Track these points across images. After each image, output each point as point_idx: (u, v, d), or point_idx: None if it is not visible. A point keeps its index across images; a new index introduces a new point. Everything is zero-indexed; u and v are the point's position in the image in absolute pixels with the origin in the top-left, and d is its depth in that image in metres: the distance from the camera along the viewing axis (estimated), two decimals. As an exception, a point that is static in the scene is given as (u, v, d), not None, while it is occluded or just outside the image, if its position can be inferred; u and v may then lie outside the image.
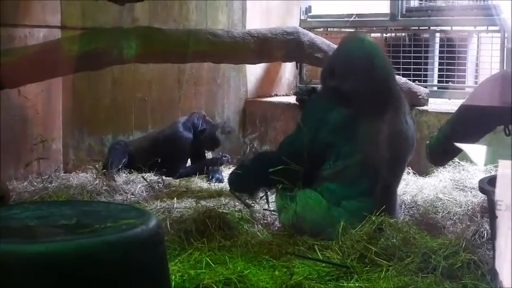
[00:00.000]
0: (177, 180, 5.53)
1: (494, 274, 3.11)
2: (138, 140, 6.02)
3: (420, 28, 6.85)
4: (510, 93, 4.12)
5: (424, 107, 5.97)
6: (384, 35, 6.99)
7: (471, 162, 5.30)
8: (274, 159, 4.20)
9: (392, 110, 4.21)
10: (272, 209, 4.46)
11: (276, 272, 3.47)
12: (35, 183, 5.17)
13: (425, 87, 6.29)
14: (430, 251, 3.46)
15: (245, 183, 4.56)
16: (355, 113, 4.11)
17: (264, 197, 4.50)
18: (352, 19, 7.03)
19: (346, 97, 4.13)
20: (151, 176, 5.47)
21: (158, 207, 4.63)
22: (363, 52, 4.21)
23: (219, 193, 5.13)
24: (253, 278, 3.33)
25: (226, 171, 5.89)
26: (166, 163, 5.66)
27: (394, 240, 3.63)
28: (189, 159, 6.05)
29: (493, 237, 3.38)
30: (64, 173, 5.56)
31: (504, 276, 2.75)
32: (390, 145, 4.16)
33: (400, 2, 6.76)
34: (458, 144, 4.40)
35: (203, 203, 4.69)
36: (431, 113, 5.86)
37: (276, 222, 4.35)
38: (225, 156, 6.07)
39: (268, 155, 4.87)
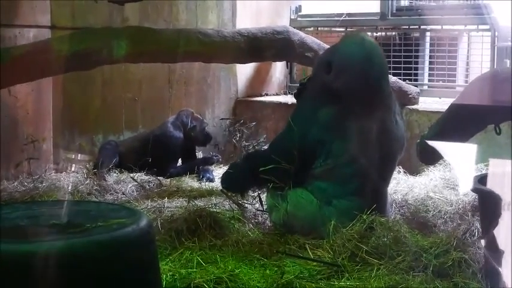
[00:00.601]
0: (168, 180, 5.53)
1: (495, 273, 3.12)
2: (129, 140, 6.02)
3: (410, 27, 6.86)
4: (500, 92, 4.13)
5: (415, 106, 5.98)
6: (374, 34, 6.99)
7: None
8: (265, 158, 4.20)
9: (383, 110, 4.22)
10: (265, 208, 4.45)
11: (267, 271, 3.47)
12: (26, 183, 5.16)
13: (416, 86, 6.30)
14: (421, 250, 3.47)
15: (236, 183, 4.56)
16: (346, 111, 4.11)
17: (257, 198, 4.50)
18: (342, 18, 7.03)
19: (339, 94, 4.13)
20: (142, 176, 5.46)
21: (149, 207, 4.63)
22: (362, 51, 4.20)
23: (210, 192, 5.12)
24: (244, 277, 3.33)
25: (217, 171, 5.89)
26: (156, 163, 5.66)
27: (385, 239, 3.63)
28: (180, 159, 6.04)
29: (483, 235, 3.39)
30: (55, 173, 5.55)
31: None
32: (380, 144, 4.16)
33: (390, 1, 6.76)
34: (448, 143, 4.41)
35: (194, 202, 4.69)
36: (421, 112, 5.87)
37: (267, 222, 4.35)
38: (215, 156, 6.06)
39: (259, 154, 4.87)
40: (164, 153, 5.79)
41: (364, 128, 4.13)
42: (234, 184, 4.61)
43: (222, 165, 6.08)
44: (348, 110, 4.11)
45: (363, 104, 4.13)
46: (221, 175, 4.93)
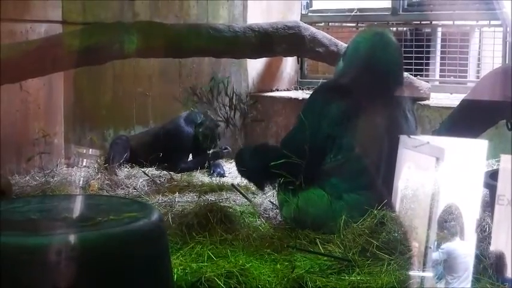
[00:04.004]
0: (179, 175, 5.53)
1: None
2: (140, 135, 6.02)
3: (422, 23, 6.84)
4: (512, 87, 4.12)
5: (426, 102, 5.96)
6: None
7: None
8: (277, 154, 4.18)
9: (392, 105, 4.20)
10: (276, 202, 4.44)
11: (278, 266, 3.47)
12: (37, 178, 5.18)
13: (427, 82, 6.29)
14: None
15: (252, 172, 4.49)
16: (355, 105, 4.10)
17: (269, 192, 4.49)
18: (353, 14, 7.03)
19: (348, 88, 4.13)
20: (153, 171, 5.47)
21: (160, 202, 4.64)
22: (371, 45, 4.19)
23: (221, 187, 5.14)
24: (255, 271, 3.33)
25: (227, 166, 5.89)
26: (167, 157, 5.66)
27: (396, 234, 3.62)
28: (190, 154, 6.04)
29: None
30: (66, 167, 5.57)
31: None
32: (390, 139, 4.14)
33: (401, -4, 6.77)
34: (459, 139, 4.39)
35: (205, 197, 4.70)
36: (433, 108, 5.85)
37: (278, 216, 4.35)
38: (225, 149, 6.02)
39: (270, 149, 4.82)
40: (174, 147, 5.79)
41: (373, 122, 4.12)
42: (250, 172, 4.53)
43: (232, 159, 6.08)
44: (357, 104, 4.11)
45: (371, 99, 4.12)
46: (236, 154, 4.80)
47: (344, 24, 7.21)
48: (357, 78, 4.15)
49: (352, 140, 4.10)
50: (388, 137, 4.13)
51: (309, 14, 7.41)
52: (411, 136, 3.88)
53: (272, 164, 4.08)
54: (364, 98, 4.10)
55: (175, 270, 3.28)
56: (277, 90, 7.27)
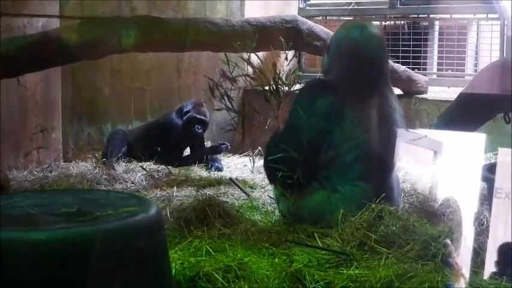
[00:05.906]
0: (177, 169, 5.53)
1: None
2: (136, 129, 6.02)
3: (419, 16, 6.84)
4: (509, 80, 4.13)
5: (424, 95, 5.96)
6: (383, 23, 6.98)
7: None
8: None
9: (378, 96, 4.19)
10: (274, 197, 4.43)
11: (276, 260, 3.47)
12: (35, 173, 5.18)
13: (425, 75, 6.29)
14: (430, 239, 3.46)
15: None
16: (341, 100, 4.09)
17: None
18: (351, 7, 7.02)
19: (333, 82, 4.14)
20: (150, 165, 5.47)
21: (158, 196, 4.64)
22: (350, 40, 4.18)
23: (219, 182, 5.13)
24: (253, 265, 3.33)
25: (225, 160, 5.89)
26: (164, 152, 5.65)
27: (394, 228, 3.63)
28: (188, 148, 6.04)
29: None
30: (64, 162, 5.57)
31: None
32: (379, 129, 4.13)
33: (399, -11, 6.77)
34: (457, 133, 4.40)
35: (203, 191, 4.70)
36: (430, 101, 5.86)
37: (276, 211, 4.35)
38: (223, 144, 6.01)
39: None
40: (167, 141, 5.76)
41: (359, 114, 4.10)
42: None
43: (230, 154, 6.08)
44: (343, 98, 4.09)
45: (355, 91, 4.11)
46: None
47: (342, 18, 7.20)
48: (340, 72, 4.15)
49: (341, 133, 4.09)
50: (377, 128, 4.12)
51: (307, 7, 7.41)
52: (409, 130, 3.89)
53: (269, 158, 4.08)
54: (349, 92, 4.09)
55: (174, 264, 3.27)
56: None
